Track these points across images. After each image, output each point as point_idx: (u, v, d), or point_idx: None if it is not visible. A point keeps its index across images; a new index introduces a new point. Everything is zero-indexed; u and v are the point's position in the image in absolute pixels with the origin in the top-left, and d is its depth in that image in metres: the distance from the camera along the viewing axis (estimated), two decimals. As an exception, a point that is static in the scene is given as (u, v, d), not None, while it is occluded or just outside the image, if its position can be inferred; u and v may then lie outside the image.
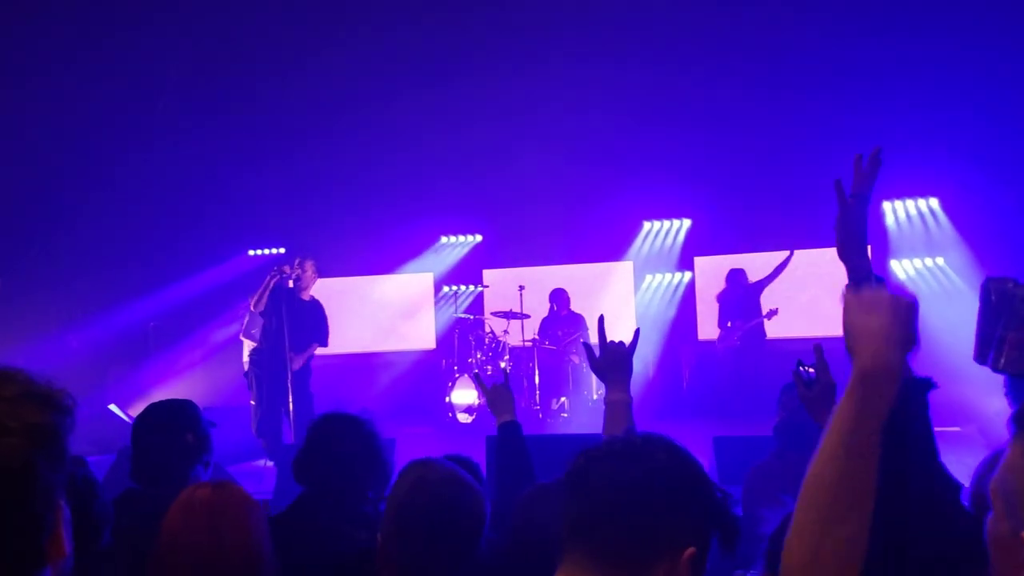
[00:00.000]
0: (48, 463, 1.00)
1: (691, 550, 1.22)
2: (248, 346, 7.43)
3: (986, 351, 1.59)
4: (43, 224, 10.55)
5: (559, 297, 9.46)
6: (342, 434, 2.66)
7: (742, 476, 3.75)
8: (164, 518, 1.95)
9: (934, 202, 10.01)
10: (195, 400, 2.95)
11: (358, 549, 2.11)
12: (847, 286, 1.65)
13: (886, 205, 10.12)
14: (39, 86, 9.15)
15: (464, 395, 9.11)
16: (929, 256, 9.96)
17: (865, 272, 1.75)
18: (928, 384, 1.58)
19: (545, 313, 9.67)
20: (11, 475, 0.97)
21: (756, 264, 9.82)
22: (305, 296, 7.12)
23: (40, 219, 10.54)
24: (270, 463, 6.82)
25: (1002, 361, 1.56)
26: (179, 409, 2.84)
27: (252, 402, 7.17)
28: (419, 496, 1.88)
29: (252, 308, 7.06)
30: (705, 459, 5.52)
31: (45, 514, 1.01)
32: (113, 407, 8.59)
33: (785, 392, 3.58)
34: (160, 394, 9.61)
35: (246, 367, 7.37)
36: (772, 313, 9.21)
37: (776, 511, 2.91)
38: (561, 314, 9.37)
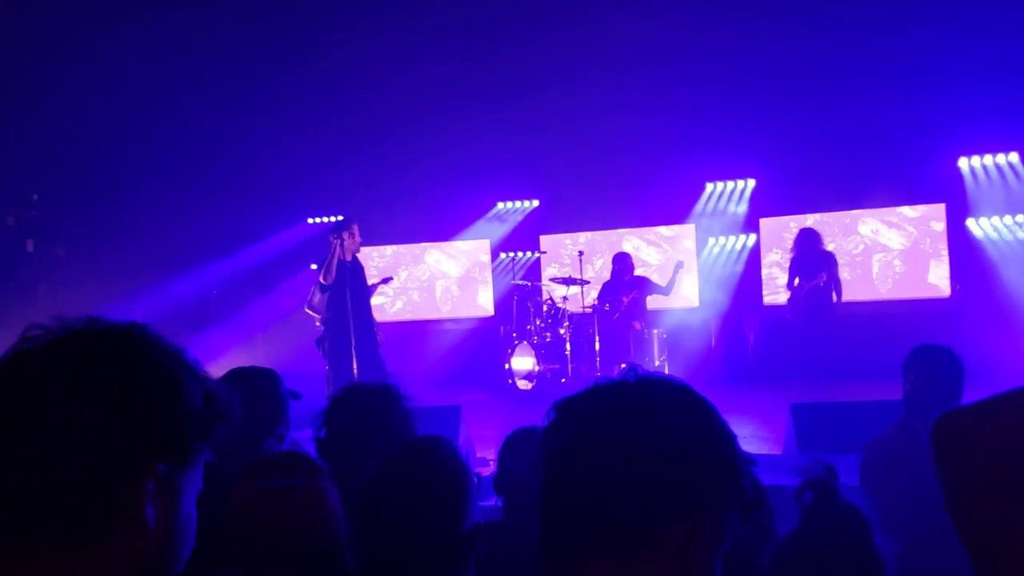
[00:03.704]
0: (153, 414, 0.90)
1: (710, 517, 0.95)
2: (316, 315, 7.49)
3: None
4: (106, 194, 10.75)
5: (623, 261, 9.20)
6: (353, 417, 2.47)
7: (825, 444, 3.54)
8: (232, 491, 1.88)
9: (1014, 156, 9.51)
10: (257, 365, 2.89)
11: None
12: None
13: (963, 161, 9.67)
14: (103, 56, 9.26)
15: (523, 362, 9.02)
16: (1009, 214, 9.49)
17: None
18: None
19: (606, 278, 9.48)
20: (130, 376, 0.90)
21: (823, 227, 9.46)
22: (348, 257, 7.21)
23: (104, 189, 10.74)
24: None
25: None
26: (256, 378, 2.77)
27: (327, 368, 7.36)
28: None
29: (323, 280, 7.11)
30: (782, 427, 5.21)
31: (127, 454, 0.88)
32: None
33: (913, 356, 3.23)
34: (224, 362, 9.79)
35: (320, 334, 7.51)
36: (821, 278, 8.60)
37: (896, 486, 2.70)
38: (624, 278, 9.14)
